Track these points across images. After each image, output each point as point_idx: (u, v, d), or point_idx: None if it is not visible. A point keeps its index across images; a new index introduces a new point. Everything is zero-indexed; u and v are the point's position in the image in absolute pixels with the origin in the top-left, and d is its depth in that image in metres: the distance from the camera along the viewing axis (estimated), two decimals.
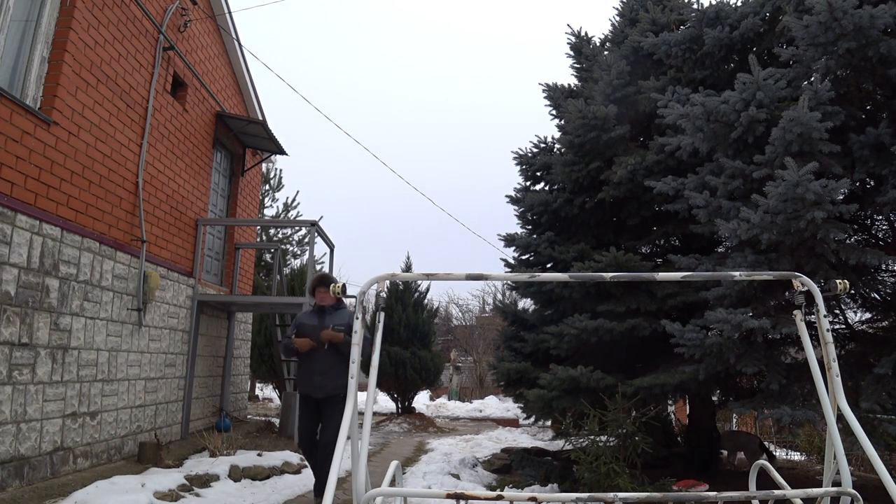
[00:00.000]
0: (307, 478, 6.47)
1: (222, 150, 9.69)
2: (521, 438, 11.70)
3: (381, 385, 15.11)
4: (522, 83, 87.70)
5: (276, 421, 10.15)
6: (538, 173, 8.16)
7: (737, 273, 2.54)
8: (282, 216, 17.82)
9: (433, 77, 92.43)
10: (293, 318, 4.77)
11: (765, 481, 2.79)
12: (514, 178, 33.45)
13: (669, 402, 8.75)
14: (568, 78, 24.45)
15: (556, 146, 8.12)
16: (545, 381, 6.11)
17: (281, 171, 19.48)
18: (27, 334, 5.03)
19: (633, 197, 6.69)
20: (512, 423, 14.97)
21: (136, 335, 6.78)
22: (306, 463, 7.17)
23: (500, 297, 24.54)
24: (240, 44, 9.66)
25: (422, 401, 18.38)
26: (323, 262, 14.96)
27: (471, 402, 19.46)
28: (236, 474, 5.88)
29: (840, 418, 2.27)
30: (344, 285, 2.58)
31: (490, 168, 75.35)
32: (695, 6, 6.71)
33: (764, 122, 5.01)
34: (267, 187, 17.71)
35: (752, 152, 5.11)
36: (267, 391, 18.75)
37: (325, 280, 5.23)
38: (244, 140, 10.10)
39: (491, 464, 7.87)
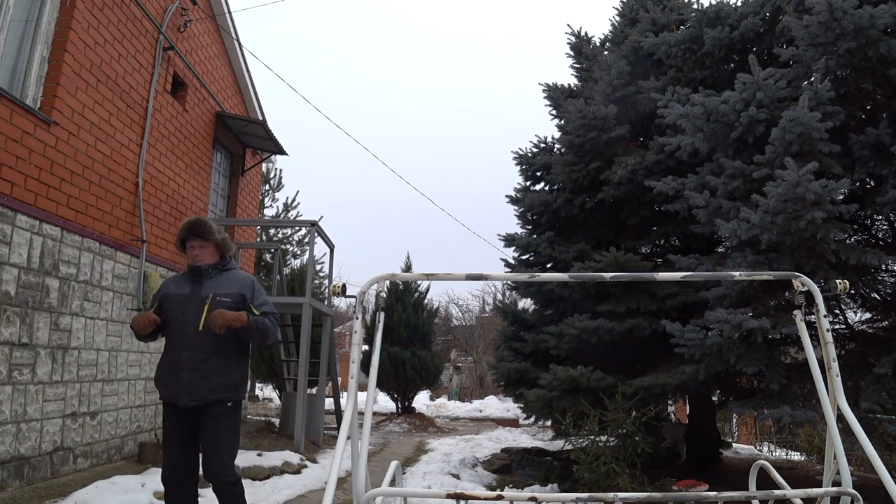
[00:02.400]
0: (307, 478, 6.46)
1: (222, 150, 9.68)
2: (521, 438, 11.70)
3: (381, 385, 15.12)
4: (522, 84, 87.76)
5: (276, 421, 10.15)
6: (538, 173, 8.16)
7: (737, 273, 2.54)
8: (282, 216, 17.80)
9: (431, 81, 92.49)
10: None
11: (765, 481, 2.79)
12: (514, 178, 33.46)
13: (669, 402, 8.75)
14: (568, 78, 24.48)
15: (556, 146, 8.12)
16: (545, 381, 6.11)
17: (281, 171, 19.51)
18: (27, 334, 5.03)
19: (633, 197, 6.69)
20: (512, 423, 14.98)
21: None
22: (307, 463, 7.15)
23: (500, 297, 24.54)
24: (240, 44, 9.66)
25: (422, 401, 18.39)
26: (323, 262, 14.97)
27: (471, 402, 19.47)
28: None
29: (840, 418, 2.26)
30: (344, 285, 2.57)
31: (490, 168, 75.42)
32: (695, 6, 6.71)
33: (764, 122, 5.01)
34: (267, 187, 17.69)
35: (752, 152, 5.11)
36: (267, 391, 18.77)
37: (198, 228, 3.28)
38: (244, 140, 10.09)
39: (491, 464, 7.87)
